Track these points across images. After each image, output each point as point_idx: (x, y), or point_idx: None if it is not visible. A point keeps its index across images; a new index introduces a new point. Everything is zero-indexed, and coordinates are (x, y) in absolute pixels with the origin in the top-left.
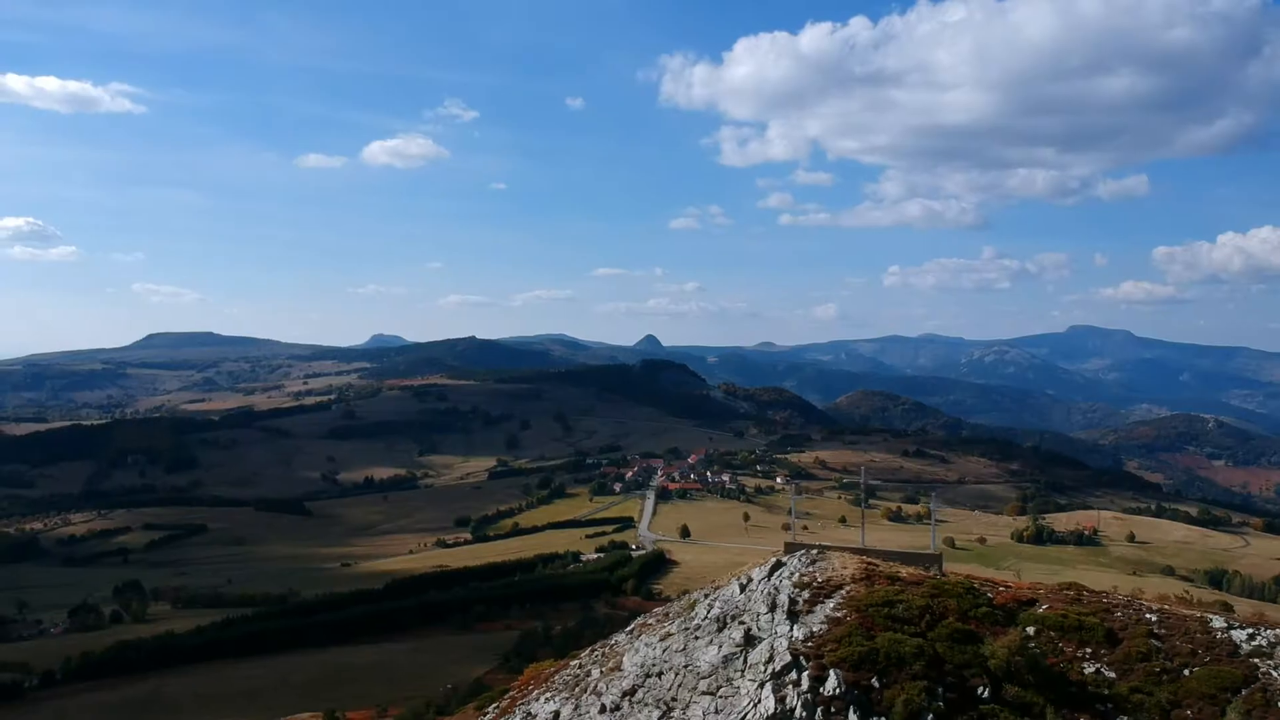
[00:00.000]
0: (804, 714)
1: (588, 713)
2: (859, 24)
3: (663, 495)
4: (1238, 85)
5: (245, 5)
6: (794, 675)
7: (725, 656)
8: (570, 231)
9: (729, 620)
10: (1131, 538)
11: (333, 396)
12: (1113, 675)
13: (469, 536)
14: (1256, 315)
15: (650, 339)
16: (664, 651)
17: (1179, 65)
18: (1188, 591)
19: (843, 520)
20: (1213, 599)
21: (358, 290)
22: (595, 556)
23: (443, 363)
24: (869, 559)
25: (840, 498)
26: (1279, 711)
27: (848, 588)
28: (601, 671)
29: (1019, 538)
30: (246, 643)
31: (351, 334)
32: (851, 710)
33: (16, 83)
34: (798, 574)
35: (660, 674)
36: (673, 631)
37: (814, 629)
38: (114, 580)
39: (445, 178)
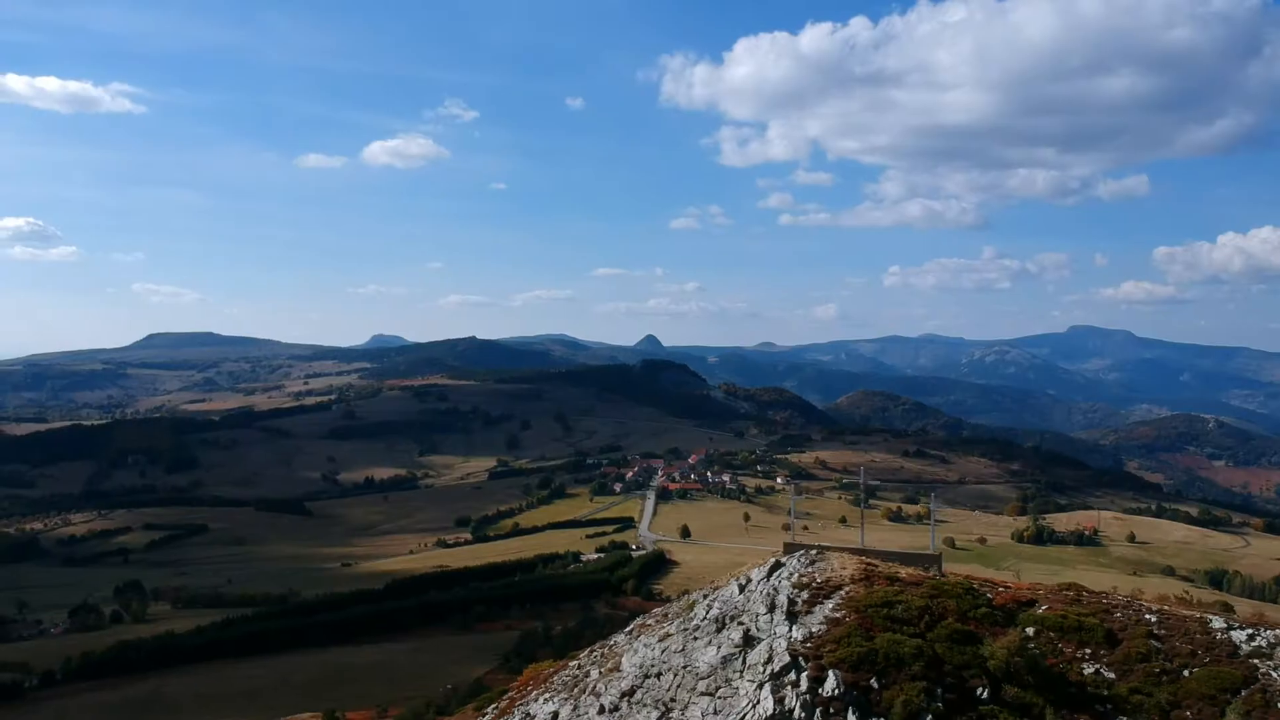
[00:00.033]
0: (803, 715)
1: (586, 713)
2: (859, 24)
3: (663, 495)
4: (1238, 85)
5: (245, 5)
6: (793, 676)
7: (724, 657)
8: (570, 231)
9: (728, 621)
10: (1132, 538)
11: (333, 397)
12: (1112, 676)
13: (469, 537)
14: (1257, 315)
15: (650, 339)
16: (663, 652)
17: (1179, 65)
18: (1188, 592)
19: (843, 520)
20: (1213, 599)
21: (358, 290)
22: (595, 557)
23: (443, 363)
24: (868, 559)
25: (841, 498)
26: (1279, 712)
27: (847, 588)
28: (600, 672)
29: (1019, 538)
30: (247, 643)
31: (352, 334)
32: (850, 711)
33: (17, 83)
34: (797, 574)
35: (659, 675)
36: (672, 632)
37: (813, 630)
38: (114, 580)
39: (445, 178)
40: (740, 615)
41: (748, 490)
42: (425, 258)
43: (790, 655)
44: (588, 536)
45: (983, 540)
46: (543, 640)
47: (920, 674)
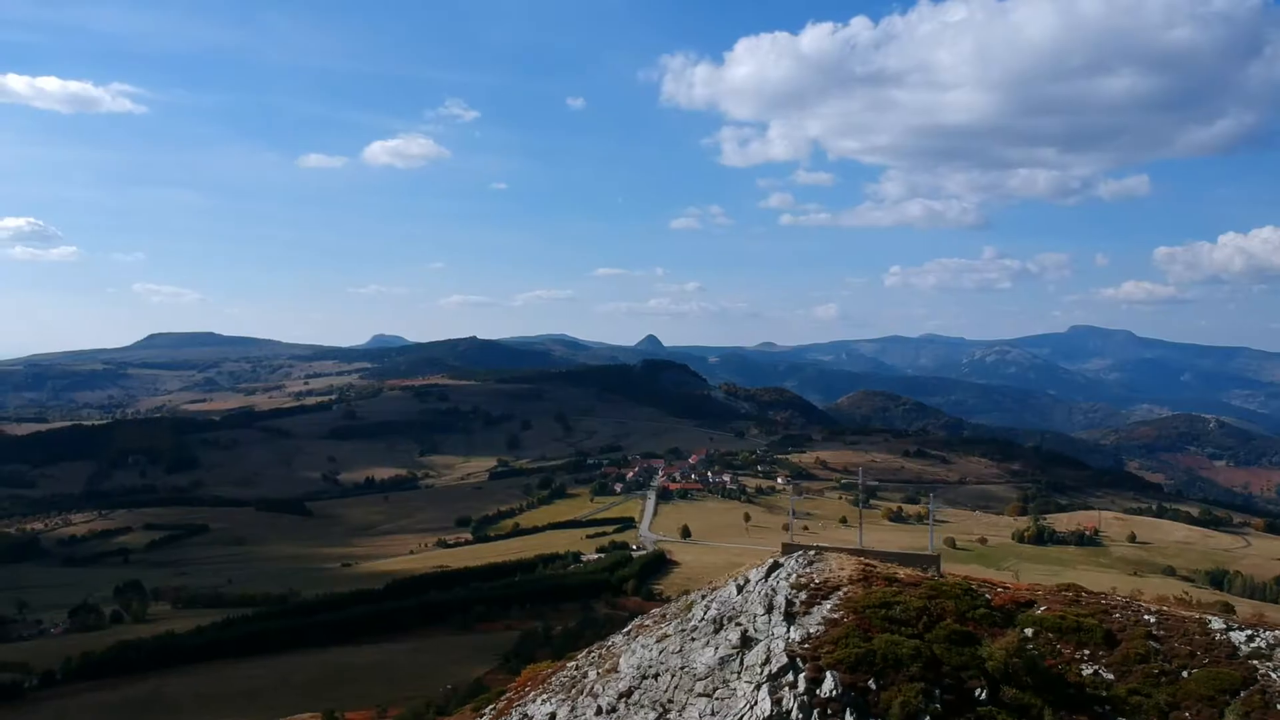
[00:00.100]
0: (800, 716)
1: (584, 714)
2: (860, 24)
3: (663, 495)
4: (1238, 85)
5: (245, 5)
6: (790, 677)
7: (722, 658)
8: (571, 231)
9: (726, 622)
10: (1132, 538)
11: (334, 397)
12: (1111, 677)
13: (469, 537)
14: (1257, 315)
15: (651, 339)
16: (660, 653)
17: (1180, 65)
18: (1188, 592)
19: (843, 521)
20: (1213, 600)
21: (359, 290)
22: (596, 557)
23: (444, 363)
24: (866, 560)
25: (841, 498)
26: (1278, 713)
27: (845, 589)
28: (598, 673)
29: (1020, 538)
30: (247, 643)
31: (352, 334)
32: (848, 712)
33: (17, 83)
34: (795, 575)
35: (656, 675)
36: (669, 633)
37: (811, 630)
38: (114, 580)
39: (446, 178)
40: (738, 616)
41: (748, 490)
42: (426, 258)
43: (788, 656)
44: (588, 537)
45: (983, 540)
46: (543, 640)
47: (918, 675)
